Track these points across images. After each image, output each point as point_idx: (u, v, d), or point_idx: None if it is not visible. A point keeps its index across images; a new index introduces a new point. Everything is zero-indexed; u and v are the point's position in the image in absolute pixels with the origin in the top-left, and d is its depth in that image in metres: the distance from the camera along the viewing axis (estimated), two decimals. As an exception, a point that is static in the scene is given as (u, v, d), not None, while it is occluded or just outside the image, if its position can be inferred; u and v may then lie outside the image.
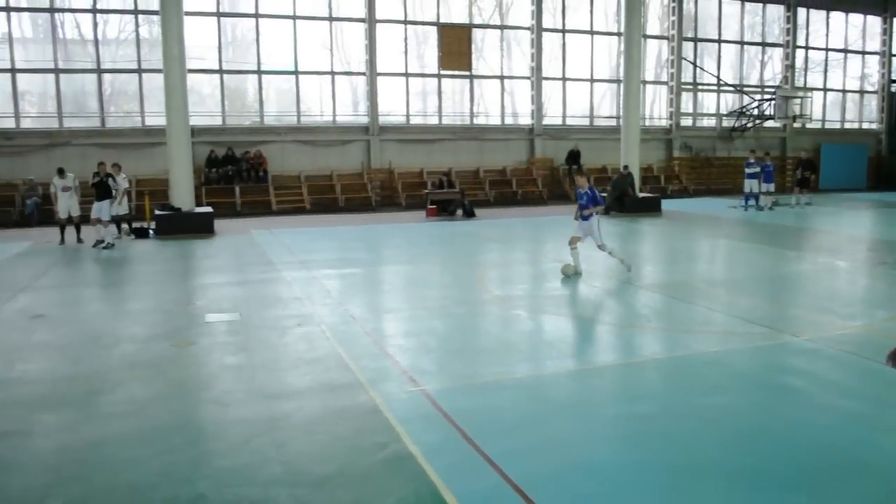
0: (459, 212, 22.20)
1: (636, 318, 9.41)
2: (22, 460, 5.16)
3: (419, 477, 4.74)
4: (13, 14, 23.64)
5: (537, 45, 29.39)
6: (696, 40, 32.95)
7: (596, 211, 11.91)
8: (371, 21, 26.73)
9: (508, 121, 29.85)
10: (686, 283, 11.58)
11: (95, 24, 24.28)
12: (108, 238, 16.11)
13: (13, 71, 23.48)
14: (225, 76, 25.80)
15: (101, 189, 16.39)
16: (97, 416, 5.94)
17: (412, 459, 4.99)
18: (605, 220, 13.77)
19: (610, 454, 5.13)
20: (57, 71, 23.90)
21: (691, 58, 32.71)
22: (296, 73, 26.40)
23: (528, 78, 29.72)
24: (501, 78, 29.60)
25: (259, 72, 26.06)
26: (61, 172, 16.84)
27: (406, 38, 27.90)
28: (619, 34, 30.20)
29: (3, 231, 19.90)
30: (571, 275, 11.74)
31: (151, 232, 18.08)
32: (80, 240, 16.75)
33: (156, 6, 20.26)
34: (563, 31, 30.21)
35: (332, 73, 26.91)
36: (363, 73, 27.08)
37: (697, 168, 32.51)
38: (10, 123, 23.62)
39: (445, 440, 5.33)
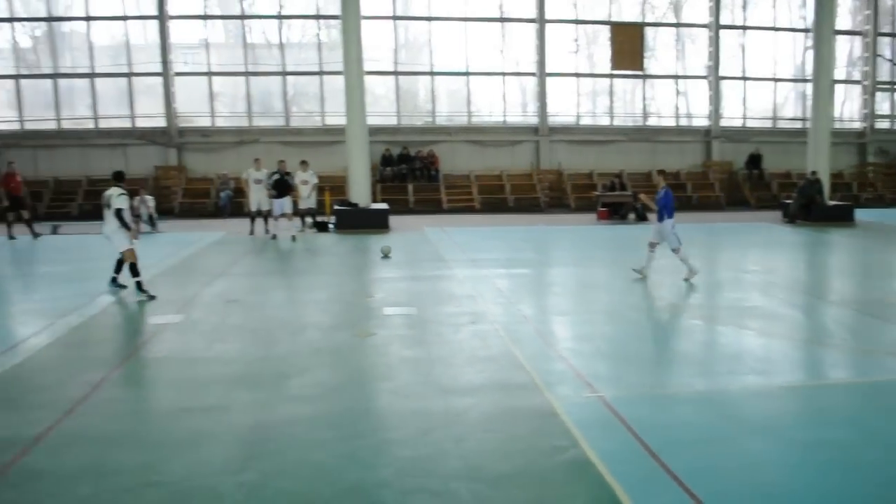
0: (632, 215, 21.67)
1: (827, 335, 8.75)
2: (222, 433, 5.56)
3: (600, 485, 4.64)
4: (209, 22, 25.65)
5: (715, 43, 28.12)
6: (894, 35, 30.22)
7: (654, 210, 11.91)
8: (541, 21, 26.67)
9: (682, 122, 28.77)
10: (883, 300, 10.62)
11: (280, 30, 25.87)
12: (293, 231, 17.14)
13: (209, 74, 25.51)
14: (399, 77, 26.67)
15: (281, 186, 17.34)
16: (288, 398, 6.30)
17: (592, 466, 4.90)
18: (789, 229, 12.91)
19: (804, 482, 4.78)
20: (247, 74, 25.71)
21: (888, 55, 30.03)
22: (467, 74, 26.83)
23: (704, 77, 28.51)
24: (676, 77, 28.59)
25: (431, 73, 26.73)
26: (257, 163, 18.13)
27: (577, 38, 27.60)
28: (805, 30, 28.28)
29: (199, 221, 21.66)
30: (641, 277, 11.65)
31: (331, 226, 19.02)
32: (267, 231, 17.92)
33: (336, 11, 21.28)
34: (744, 28, 28.70)
35: (503, 74, 27.10)
36: (533, 74, 27.08)
37: (894, 175, 29.83)
38: (206, 122, 25.70)
39: (625, 450, 5.19)
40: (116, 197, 10.40)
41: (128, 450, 5.31)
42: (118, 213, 10.33)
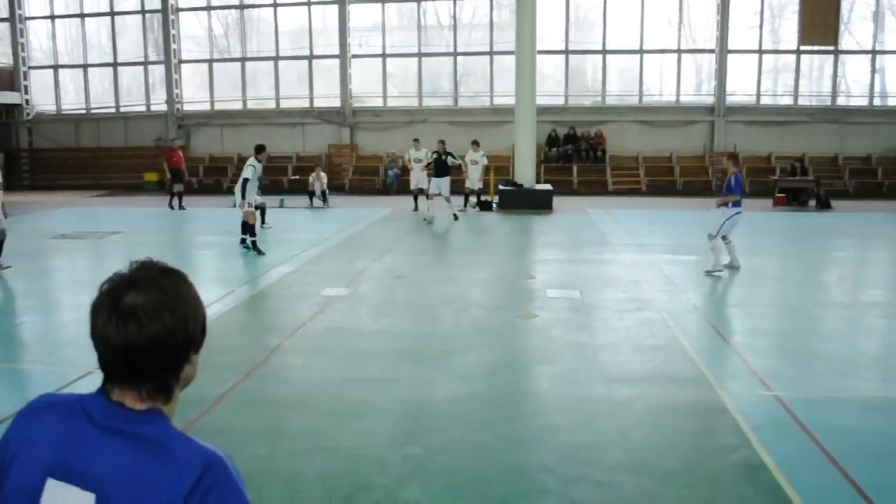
0: (812, 202, 20.16)
1: None
2: (389, 406, 5.74)
3: (774, 490, 4.35)
4: (385, 5, 26.36)
5: (923, 14, 25.38)
6: None
7: (725, 201, 10.90)
8: (724, -6, 25.20)
9: (877, 102, 26.31)
10: None
11: (454, 11, 26.15)
12: (454, 209, 17.28)
13: (383, 56, 26.29)
14: (569, 56, 26.22)
15: (439, 166, 17.45)
16: (451, 375, 6.40)
17: (766, 470, 4.60)
18: None
19: None
20: (419, 55, 26.24)
21: None
22: (640, 52, 25.92)
23: (906, 52, 25.84)
24: (873, 53, 26.13)
25: (603, 51, 26.05)
26: (417, 144, 18.55)
27: (762, 11, 25.86)
28: None
29: (368, 198, 22.49)
30: (720, 271, 10.57)
31: (494, 205, 19.12)
32: (416, 209, 18.26)
33: (511, -9, 21.19)
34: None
35: (679, 52, 25.94)
36: (711, 51, 25.71)
37: None
38: (378, 102, 26.54)
39: (804, 456, 4.84)
40: (245, 167, 12.31)
41: (300, 414, 5.60)
42: (243, 181, 12.12)
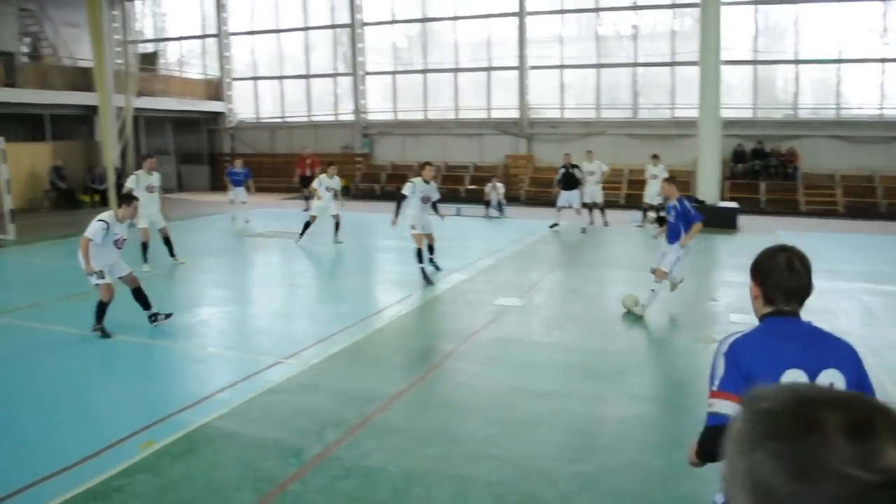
0: None
1: None
2: (558, 420, 5.68)
3: None
4: (563, 16, 26.25)
5: None
6: None
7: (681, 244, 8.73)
8: (944, -2, 22.86)
9: None
10: None
11: (633, 21, 25.57)
12: (582, 224, 17.15)
13: (561, 67, 26.18)
14: (757, 67, 24.84)
15: (567, 179, 17.31)
16: (624, 395, 6.23)
17: None
18: None
19: None
20: (597, 66, 25.88)
21: None
22: (837, 61, 24.06)
23: None
24: None
25: (796, 61, 24.44)
26: (590, 154, 18.41)
27: None
28: None
29: (543, 209, 22.38)
30: (634, 309, 8.77)
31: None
32: (605, 223, 17.95)
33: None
34: None
35: (882, 61, 23.82)
36: (924, 60, 23.39)
37: None
38: (555, 113, 26.45)
39: None
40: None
41: (471, 420, 5.67)
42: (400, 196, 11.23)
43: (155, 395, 6.38)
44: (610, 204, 18.52)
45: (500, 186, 20.74)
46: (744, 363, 2.35)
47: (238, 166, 18.41)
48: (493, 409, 5.94)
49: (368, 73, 27.96)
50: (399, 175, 26.37)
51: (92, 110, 23.61)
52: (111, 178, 19.19)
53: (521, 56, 25.92)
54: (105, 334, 8.01)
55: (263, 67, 29.67)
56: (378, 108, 28.13)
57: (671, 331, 8.37)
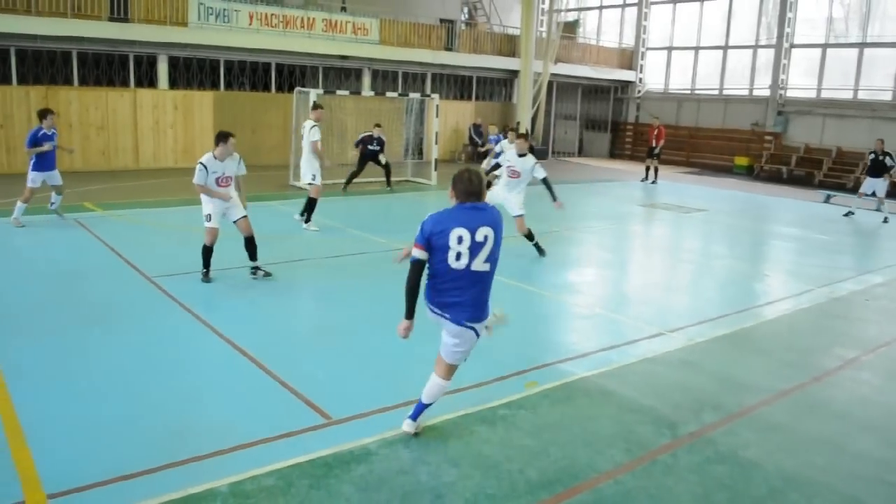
0: None
1: None
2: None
3: None
4: None
5: None
6: None
7: None
8: None
9: None
10: None
11: None
12: (885, 212, 15.71)
13: None
14: None
15: (876, 166, 15.91)
16: None
17: None
18: None
19: None
20: None
21: None
22: None
23: None
24: None
25: None
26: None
27: None
28: None
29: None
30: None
31: None
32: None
33: None
34: None
35: None
36: None
37: None
38: None
39: None
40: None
41: (869, 438, 5.10)
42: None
43: (542, 342, 6.85)
44: None
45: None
46: (426, 229, 4.31)
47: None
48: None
49: (794, 46, 25.71)
50: (812, 159, 24.08)
51: (513, 74, 25.55)
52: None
53: None
54: (207, 279, 8.13)
55: (680, 37, 29.04)
56: (799, 84, 25.80)
57: None
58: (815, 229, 14.53)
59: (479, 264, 4.31)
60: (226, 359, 6.01)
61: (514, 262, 9.47)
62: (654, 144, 21.12)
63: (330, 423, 4.89)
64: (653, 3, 29.55)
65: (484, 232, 4.26)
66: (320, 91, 16.41)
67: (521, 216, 9.98)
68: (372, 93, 20.43)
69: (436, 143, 18.16)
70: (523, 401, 5.39)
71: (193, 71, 19.43)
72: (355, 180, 15.83)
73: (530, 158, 9.95)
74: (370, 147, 15.58)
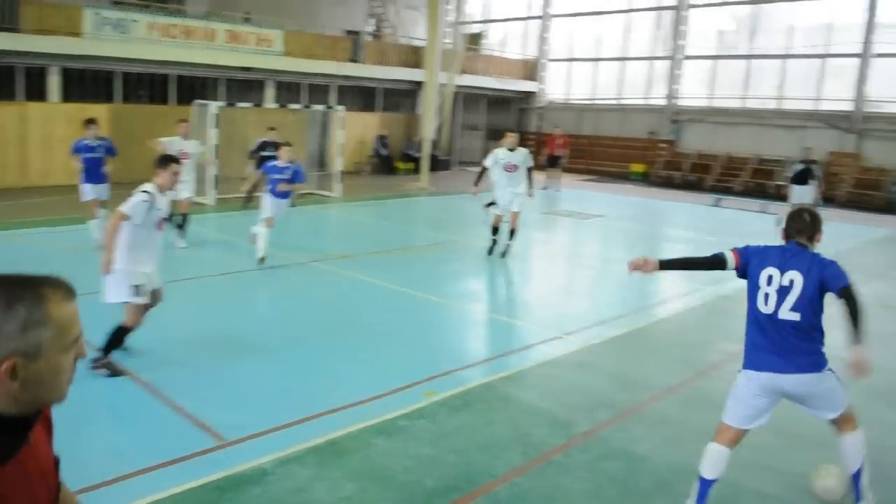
0: None
1: None
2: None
3: None
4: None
5: None
6: None
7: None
8: None
9: None
10: None
11: None
12: None
13: (916, 55, 22.95)
14: None
15: (802, 174, 15.80)
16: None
17: None
18: None
19: None
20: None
21: None
22: None
23: None
24: None
25: None
26: None
27: None
28: None
29: (864, 214, 20.02)
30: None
31: None
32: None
33: None
34: None
35: None
36: None
37: None
38: (898, 109, 23.33)
39: None
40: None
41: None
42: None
43: (440, 350, 6.94)
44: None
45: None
46: (748, 254, 4.55)
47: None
48: (777, 420, 5.55)
49: (688, 58, 26.92)
50: (703, 164, 25.22)
51: (418, 85, 25.73)
52: (426, 149, 20.82)
53: (866, 42, 23.15)
54: (113, 372, 5.79)
55: (581, 49, 29.91)
56: (692, 93, 27.01)
57: None
58: (705, 231, 15.23)
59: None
60: (110, 384, 5.80)
61: (408, 271, 9.57)
62: (553, 153, 21.64)
63: (223, 444, 4.80)
64: (554, 17, 30.35)
65: (791, 275, 4.23)
66: (221, 103, 16.10)
67: (518, 213, 10.86)
68: (276, 105, 20.20)
69: (340, 154, 18.12)
70: (422, 410, 5.45)
71: (88, 83, 18.74)
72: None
73: (521, 151, 10.92)
74: (264, 153, 15.19)
